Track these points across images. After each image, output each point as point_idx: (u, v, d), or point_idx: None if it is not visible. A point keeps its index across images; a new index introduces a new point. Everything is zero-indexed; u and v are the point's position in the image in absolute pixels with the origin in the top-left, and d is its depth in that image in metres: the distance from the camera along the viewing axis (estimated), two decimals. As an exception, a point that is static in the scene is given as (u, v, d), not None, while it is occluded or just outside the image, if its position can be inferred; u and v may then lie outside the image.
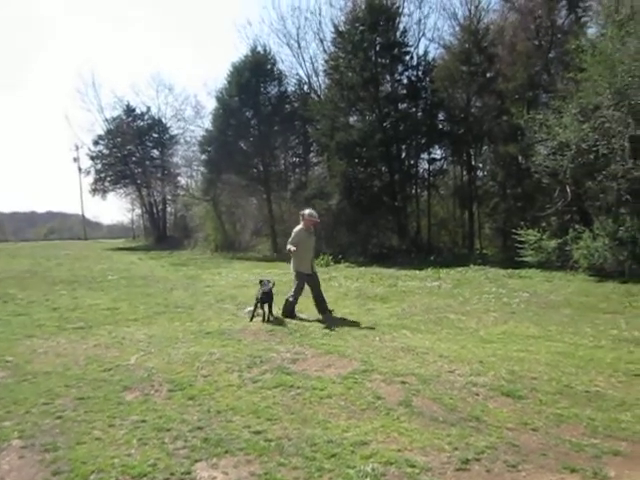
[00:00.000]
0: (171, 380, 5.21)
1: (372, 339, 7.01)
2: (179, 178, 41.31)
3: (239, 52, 41.40)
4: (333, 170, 22.49)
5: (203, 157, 30.86)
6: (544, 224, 17.03)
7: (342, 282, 13.47)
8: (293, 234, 8.84)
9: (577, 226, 14.93)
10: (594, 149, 13.79)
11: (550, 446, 3.67)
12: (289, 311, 8.67)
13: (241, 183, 29.01)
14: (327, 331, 7.52)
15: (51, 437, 3.94)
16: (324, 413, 4.32)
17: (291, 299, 8.73)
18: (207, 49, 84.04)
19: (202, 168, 32.63)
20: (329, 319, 8.46)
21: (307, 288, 8.96)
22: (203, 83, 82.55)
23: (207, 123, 32.66)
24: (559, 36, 20.98)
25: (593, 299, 10.45)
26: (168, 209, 44.47)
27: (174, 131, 41.91)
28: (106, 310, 9.43)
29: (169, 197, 41.80)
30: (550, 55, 21.43)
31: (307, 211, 9.03)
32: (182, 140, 40.51)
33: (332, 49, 25.23)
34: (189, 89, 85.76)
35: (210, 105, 61.47)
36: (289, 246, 8.68)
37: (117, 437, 3.92)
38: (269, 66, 28.11)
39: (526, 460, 3.46)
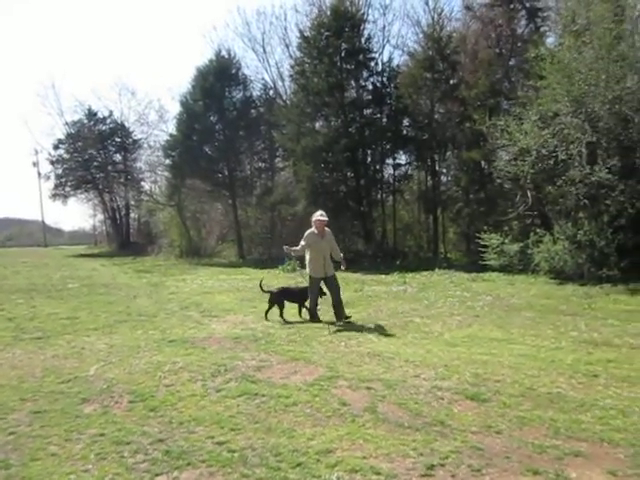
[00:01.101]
0: (132, 391, 5.07)
1: (338, 344, 6.98)
2: (143, 183, 40.65)
3: (204, 56, 41.03)
4: (299, 175, 22.47)
5: (167, 162, 30.39)
6: (506, 228, 17.35)
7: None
8: (304, 237, 8.79)
9: (538, 230, 15.25)
10: (553, 155, 14.13)
11: (513, 449, 3.70)
12: (312, 316, 8.81)
13: (206, 188, 28.71)
14: (293, 337, 7.47)
15: (3, 454, 3.78)
16: (289, 421, 4.26)
17: (310, 304, 8.85)
18: (171, 53, 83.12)
19: (166, 173, 32.16)
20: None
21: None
22: (167, 87, 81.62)
23: (171, 128, 32.26)
24: (519, 45, 21.48)
25: (554, 301, 10.68)
26: (131, 215, 43.62)
27: (137, 136, 41.23)
28: (65, 319, 9.16)
29: (132, 202, 41.02)
30: (511, 63, 21.93)
31: (316, 213, 8.92)
32: (146, 145, 39.93)
33: (298, 54, 25.24)
34: (152, 93, 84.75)
35: (174, 109, 60.87)
36: (297, 248, 8.77)
37: (74, 452, 3.78)
38: (234, 70, 27.96)
39: (490, 464, 3.48)
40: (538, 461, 3.51)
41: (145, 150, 39.91)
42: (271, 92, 29.40)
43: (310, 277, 8.78)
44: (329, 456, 3.62)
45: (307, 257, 8.75)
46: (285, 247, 9.11)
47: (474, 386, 5.07)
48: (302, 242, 8.71)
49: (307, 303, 9.06)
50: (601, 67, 13.32)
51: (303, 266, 9.47)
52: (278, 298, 9.06)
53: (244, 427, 4.17)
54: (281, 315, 8.90)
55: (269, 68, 36.62)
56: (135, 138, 41.25)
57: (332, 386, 5.14)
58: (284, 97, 28.67)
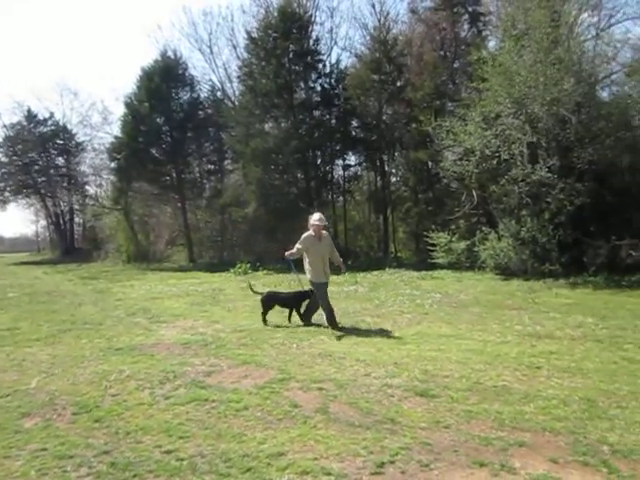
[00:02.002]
0: (76, 402, 4.89)
1: (289, 346, 6.96)
2: (87, 187, 39.54)
3: (149, 56, 40.24)
4: (249, 177, 22.33)
5: (112, 165, 29.62)
6: (453, 227, 17.80)
7: (260, 289, 13.29)
8: (301, 239, 8.26)
9: (484, 228, 15.73)
10: (496, 155, 14.59)
11: (461, 442, 3.78)
12: (331, 323, 8.10)
13: (153, 191, 28.19)
14: (244, 341, 7.39)
15: None
16: (240, 426, 4.21)
17: (325, 312, 8.21)
18: (115, 53, 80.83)
19: (112, 176, 31.34)
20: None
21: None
22: (111, 88, 79.40)
23: (116, 129, 31.43)
24: (463, 48, 22.07)
25: (500, 297, 11.01)
26: (76, 220, 42.29)
27: (80, 138, 40.03)
28: (5, 330, 8.75)
29: (77, 207, 39.78)
30: (455, 66, 22.52)
31: (313, 215, 8.39)
32: (90, 147, 38.79)
33: (245, 55, 25.13)
34: (96, 94, 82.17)
35: (119, 111, 59.29)
36: (293, 250, 8.23)
37: (13, 469, 3.61)
38: (180, 71, 27.54)
39: (438, 458, 3.54)
40: (484, 453, 3.60)
41: (89, 153, 38.84)
42: (219, 93, 29.17)
43: (313, 283, 8.23)
44: (280, 459, 3.60)
45: (306, 262, 8.25)
46: (287, 253, 8.27)
47: (423, 382, 5.15)
48: (298, 245, 8.21)
49: (302, 309, 8.64)
50: (539, 70, 13.84)
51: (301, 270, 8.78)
52: (268, 302, 8.75)
53: (193, 434, 4.08)
54: (264, 318, 8.65)
55: (216, 69, 36.33)
56: (78, 141, 40.07)
57: (284, 388, 5.11)
58: (232, 98, 28.47)
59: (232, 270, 18.56)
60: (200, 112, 28.02)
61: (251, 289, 9.63)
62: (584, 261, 13.73)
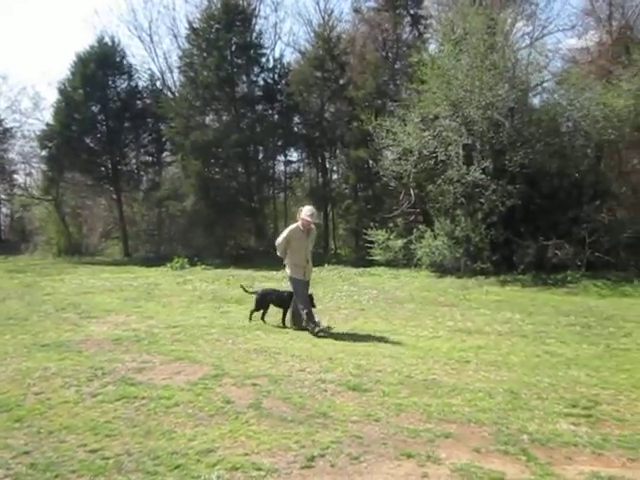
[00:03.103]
0: (-5, 401, 4.64)
1: (225, 342, 6.88)
2: (16, 176, 37.38)
3: (85, 42, 38.63)
4: (188, 170, 21.87)
5: (43, 153, 28.17)
6: (391, 225, 18.15)
7: (197, 285, 13.13)
8: (285, 231, 7.79)
9: (420, 226, 16.13)
10: (434, 155, 14.99)
11: (390, 435, 3.86)
12: (311, 325, 7.46)
13: (87, 182, 27.11)
14: (178, 337, 7.24)
15: None
16: (170, 423, 4.13)
17: (302, 312, 7.60)
18: (47, 36, 77.05)
19: (42, 165, 29.85)
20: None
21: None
22: (42, 72, 75.61)
23: (48, 116, 29.90)
24: (404, 49, 22.50)
25: (434, 294, 11.33)
26: (3, 210, 40.01)
27: (9, 124, 37.77)
28: None
29: (4, 197, 37.63)
30: (396, 66, 22.92)
31: (305, 208, 7.80)
32: (19, 134, 36.68)
33: (186, 46, 24.59)
34: (27, 79, 78.05)
35: (51, 97, 56.58)
36: (280, 252, 7.72)
37: None
38: (118, 59, 26.56)
39: (368, 451, 3.60)
40: (412, 445, 3.69)
41: (18, 140, 36.69)
42: (158, 83, 28.31)
43: (293, 279, 7.74)
44: (210, 455, 3.55)
45: (287, 256, 7.75)
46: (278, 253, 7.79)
47: (356, 377, 5.23)
48: (283, 235, 7.72)
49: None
50: (475, 75, 14.31)
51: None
52: (262, 301, 8.21)
53: (121, 432, 3.97)
54: (250, 316, 8.19)
55: (156, 58, 35.19)
56: (6, 127, 37.81)
57: (217, 384, 5.05)
58: (173, 89, 27.75)
59: (169, 265, 18.14)
60: (138, 102, 27.12)
61: (244, 289, 9.03)
62: (514, 260, 14.31)
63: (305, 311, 7.53)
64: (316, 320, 7.54)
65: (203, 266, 18.33)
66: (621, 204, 16.64)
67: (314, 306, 7.92)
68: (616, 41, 19.40)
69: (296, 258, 7.69)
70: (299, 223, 7.68)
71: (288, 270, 7.79)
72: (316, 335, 7.22)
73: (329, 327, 7.74)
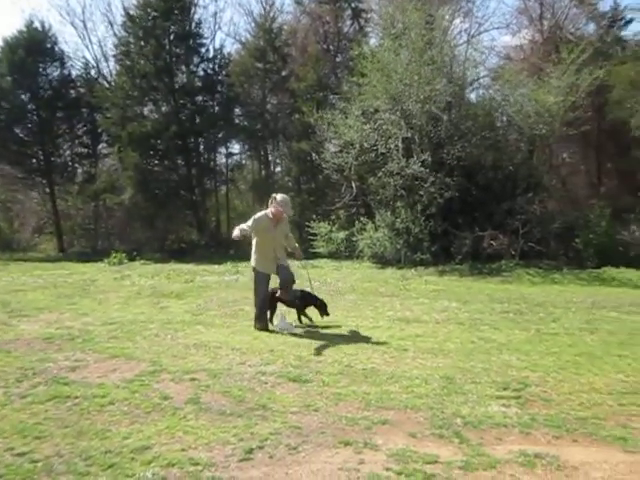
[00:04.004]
0: None
1: (164, 338, 6.73)
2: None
3: (13, 27, 36.63)
4: (125, 162, 21.22)
5: (-32, 143, 26.67)
6: (334, 217, 18.30)
7: (136, 280, 12.78)
8: (251, 219, 6.95)
9: (362, 219, 16.32)
10: (374, 148, 15.20)
11: (329, 424, 3.89)
12: (261, 324, 7.04)
13: (18, 175, 25.84)
14: (115, 333, 7.03)
15: None
16: (104, 422, 4.00)
17: (256, 307, 7.10)
18: (-28, 20, 72.66)
19: (-33, 157, 28.22)
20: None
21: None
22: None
23: (-28, 105, 28.29)
24: (345, 42, 22.66)
25: (375, 284, 11.50)
26: None
27: None
28: None
29: None
30: (337, 59, 23.07)
31: (279, 195, 7.11)
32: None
33: (123, 33, 23.79)
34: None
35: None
36: (236, 231, 6.89)
37: None
38: (49, 45, 25.44)
39: (306, 440, 3.61)
40: (350, 433, 3.74)
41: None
42: (93, 72, 27.31)
43: (256, 271, 7.12)
44: (145, 453, 3.47)
45: (253, 246, 7.13)
46: (236, 233, 6.91)
47: (297, 368, 5.24)
48: (249, 223, 6.92)
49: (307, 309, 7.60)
50: (414, 69, 14.58)
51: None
52: (271, 300, 7.41)
53: (51, 434, 3.81)
54: (270, 319, 7.41)
55: (91, 46, 34.15)
56: None
57: (154, 381, 4.93)
58: (108, 78, 26.80)
59: (106, 260, 17.57)
60: (72, 91, 26.14)
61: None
62: (452, 250, 14.74)
63: (258, 307, 7.09)
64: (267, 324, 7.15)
65: (142, 261, 17.88)
66: (552, 196, 17.47)
67: (327, 314, 7.41)
68: (547, 40, 20.27)
69: (262, 250, 7.01)
70: (268, 211, 7.01)
71: (253, 262, 7.17)
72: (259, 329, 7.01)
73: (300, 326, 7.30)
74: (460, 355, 5.72)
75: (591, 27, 21.28)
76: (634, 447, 3.51)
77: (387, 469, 3.20)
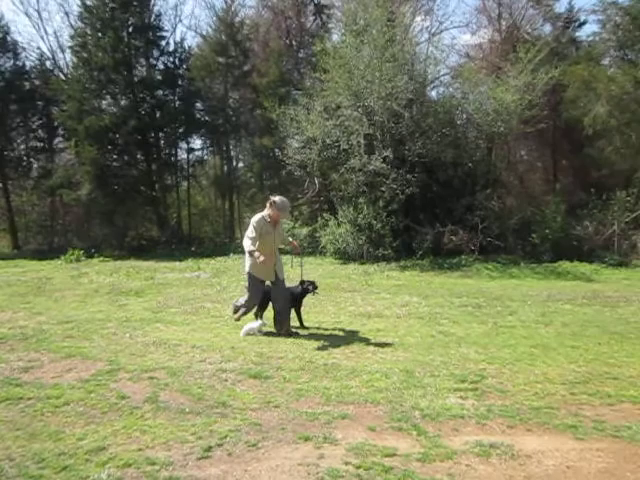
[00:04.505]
0: None
1: (122, 336, 6.60)
2: None
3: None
4: (83, 157, 20.58)
5: None
6: (297, 213, 18.27)
7: (94, 278, 12.48)
8: (251, 225, 6.57)
9: (325, 215, 16.35)
10: (337, 144, 15.23)
11: (289, 420, 3.89)
12: (237, 309, 6.90)
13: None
14: (71, 332, 6.85)
15: None
16: (58, 423, 3.89)
17: (242, 307, 6.81)
18: None
19: None
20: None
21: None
22: None
23: None
24: (308, 38, 22.58)
25: (337, 280, 11.55)
26: None
27: None
28: None
29: None
30: (300, 55, 22.99)
31: (277, 199, 6.68)
32: None
33: (79, 24, 23.06)
34: None
35: None
36: (250, 247, 6.37)
37: None
38: (1, 35, 24.43)
39: (266, 437, 3.61)
40: (310, 428, 3.74)
41: None
42: (48, 63, 26.38)
43: (251, 277, 6.68)
44: (101, 454, 3.39)
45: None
46: (257, 255, 6.29)
47: (258, 365, 5.22)
48: (252, 230, 6.51)
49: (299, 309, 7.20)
50: (376, 66, 14.65)
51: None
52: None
53: (2, 436, 3.69)
54: (260, 316, 7.04)
55: (46, 37, 33.06)
56: None
57: (111, 380, 4.84)
58: (65, 70, 25.97)
59: (63, 257, 17.09)
60: (26, 83, 25.13)
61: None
62: (413, 246, 14.92)
63: (245, 310, 6.82)
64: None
65: (101, 258, 17.48)
66: (509, 192, 17.91)
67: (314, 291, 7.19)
68: (505, 39, 20.69)
69: (262, 254, 6.37)
70: (265, 214, 6.66)
71: (248, 267, 6.68)
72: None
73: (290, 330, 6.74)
74: (420, 349, 5.80)
75: (547, 28, 21.82)
76: (584, 434, 3.63)
77: (346, 463, 3.22)
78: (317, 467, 3.19)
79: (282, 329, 6.62)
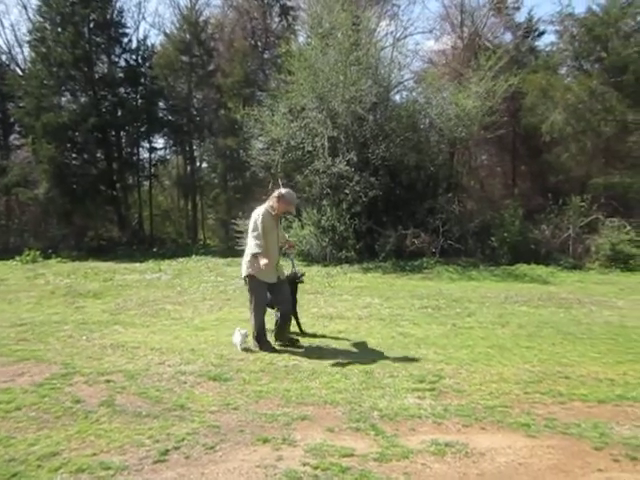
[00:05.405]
0: None
1: (78, 339, 6.46)
2: None
3: None
4: (40, 155, 19.99)
5: None
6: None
7: (50, 279, 12.15)
8: (255, 221, 5.89)
9: (288, 216, 16.29)
10: (301, 146, 15.22)
11: (248, 422, 3.88)
12: (259, 340, 5.92)
13: None
14: (24, 335, 6.67)
15: None
16: (8, 429, 3.79)
17: (252, 322, 6.01)
18: None
19: None
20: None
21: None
22: None
23: None
24: (273, 39, 22.55)
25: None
26: None
27: None
28: None
29: None
30: (265, 56, 22.93)
31: (285, 191, 6.12)
32: None
33: (38, 18, 22.42)
34: None
35: None
36: (256, 249, 5.68)
37: None
38: (-47, 27, 23.61)
39: (224, 439, 3.59)
40: (269, 429, 3.74)
41: None
42: (4, 58, 25.58)
43: (253, 280, 5.90)
44: (53, 459, 3.32)
45: (248, 248, 5.93)
46: (262, 261, 5.60)
47: (218, 367, 5.18)
48: (258, 227, 5.84)
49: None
50: (340, 69, 14.71)
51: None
52: None
53: (-52, 443, 3.56)
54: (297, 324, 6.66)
55: (2, 30, 31.93)
56: None
57: (66, 384, 4.73)
58: (22, 66, 25.22)
59: (19, 258, 16.59)
60: (-20, 78, 24.32)
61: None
62: (376, 248, 15.02)
63: (256, 327, 5.96)
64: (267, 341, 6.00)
65: (58, 259, 17.02)
66: (470, 196, 18.21)
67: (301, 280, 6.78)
68: (467, 46, 21.09)
69: (265, 253, 5.72)
70: (268, 206, 6.05)
71: (246, 267, 5.94)
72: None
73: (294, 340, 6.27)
74: (380, 350, 5.86)
75: (508, 36, 22.32)
76: (536, 432, 3.74)
77: (304, 464, 3.23)
78: (275, 469, 3.19)
79: (283, 336, 6.13)
